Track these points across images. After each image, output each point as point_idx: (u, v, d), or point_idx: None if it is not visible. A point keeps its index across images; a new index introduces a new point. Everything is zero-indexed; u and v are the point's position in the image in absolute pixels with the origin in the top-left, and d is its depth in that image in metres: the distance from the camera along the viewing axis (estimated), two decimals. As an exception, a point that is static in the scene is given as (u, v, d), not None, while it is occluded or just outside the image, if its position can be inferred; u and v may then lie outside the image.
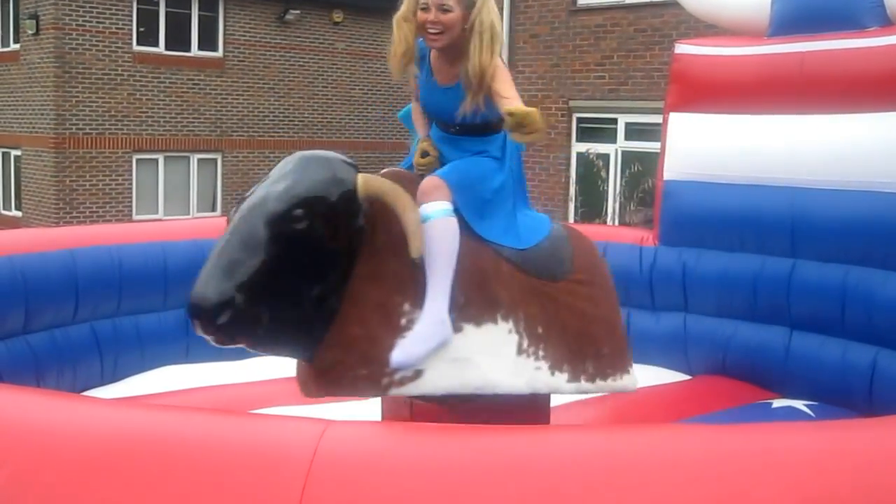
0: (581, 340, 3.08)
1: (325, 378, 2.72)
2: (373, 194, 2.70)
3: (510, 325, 2.89)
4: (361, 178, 2.72)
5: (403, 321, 2.72)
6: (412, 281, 2.74)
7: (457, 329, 2.78)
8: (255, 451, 1.90)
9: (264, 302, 2.52)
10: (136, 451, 1.95)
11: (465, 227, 2.87)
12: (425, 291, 2.74)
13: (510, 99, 2.78)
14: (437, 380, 2.74)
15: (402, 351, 2.72)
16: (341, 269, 2.67)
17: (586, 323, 3.10)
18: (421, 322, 2.74)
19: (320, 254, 2.62)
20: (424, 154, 3.08)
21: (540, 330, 2.97)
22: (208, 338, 2.57)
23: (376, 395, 2.88)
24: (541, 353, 2.96)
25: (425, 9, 2.86)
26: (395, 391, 2.73)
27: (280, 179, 2.64)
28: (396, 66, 3.01)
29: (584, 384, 3.07)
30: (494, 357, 2.84)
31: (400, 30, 2.93)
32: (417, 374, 2.73)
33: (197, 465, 1.90)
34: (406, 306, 2.73)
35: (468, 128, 3.03)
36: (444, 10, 2.84)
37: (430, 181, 2.85)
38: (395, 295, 2.73)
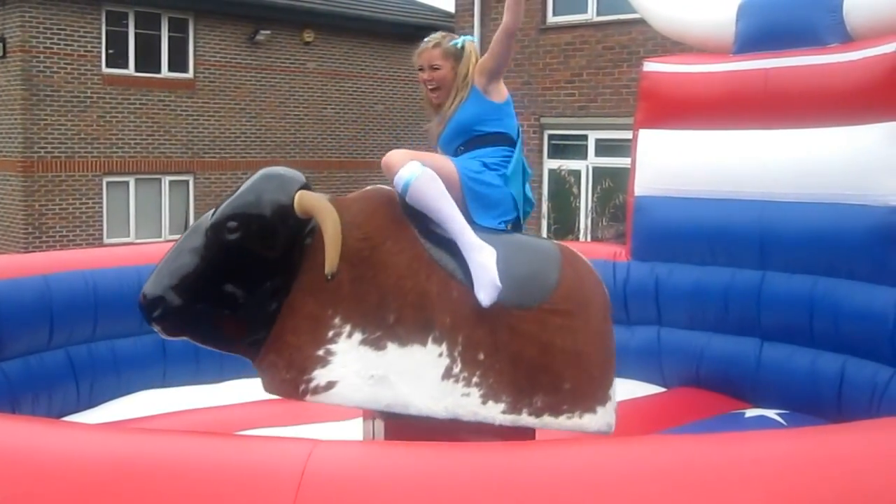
0: (535, 372, 2.97)
1: (263, 377, 2.93)
2: (305, 210, 2.82)
3: (442, 348, 2.88)
4: (298, 195, 2.84)
5: (330, 334, 2.81)
6: (350, 296, 2.84)
7: (379, 347, 2.84)
8: (244, 472, 1.91)
9: (198, 302, 2.80)
10: (124, 475, 1.96)
11: (421, 244, 2.96)
12: (362, 305, 2.85)
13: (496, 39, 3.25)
14: (349, 393, 2.80)
15: (482, 293, 2.88)
16: (281, 278, 2.84)
17: (549, 355, 3.00)
18: (471, 262, 2.91)
19: (255, 263, 2.82)
20: None
21: (481, 356, 2.91)
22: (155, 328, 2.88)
23: (297, 399, 2.93)
24: (475, 379, 2.89)
25: (421, 70, 3.36)
26: (311, 399, 2.83)
27: (231, 193, 2.90)
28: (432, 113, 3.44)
29: (524, 417, 2.94)
30: (414, 378, 2.85)
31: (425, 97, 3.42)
32: (330, 385, 2.79)
33: (185, 488, 1.91)
34: (337, 320, 2.83)
35: (468, 144, 3.30)
36: (434, 68, 3.32)
37: (391, 153, 3.06)
38: (328, 308, 2.83)
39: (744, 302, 4.77)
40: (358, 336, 2.83)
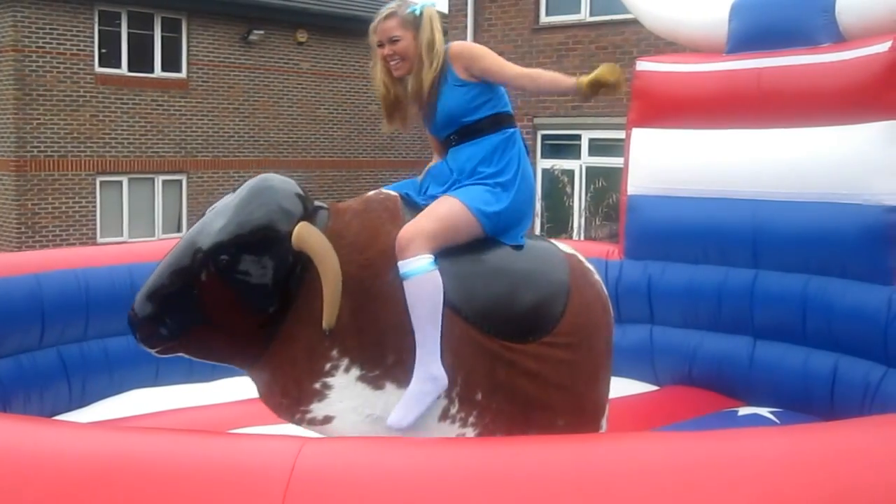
0: (531, 410, 2.89)
1: (259, 389, 2.90)
2: (304, 249, 2.70)
3: None
4: (297, 230, 2.70)
5: (328, 366, 2.72)
6: (348, 329, 2.72)
7: (377, 386, 2.75)
8: (233, 469, 1.91)
9: (190, 324, 2.73)
10: (114, 473, 1.95)
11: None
12: (361, 338, 2.72)
13: (525, 73, 3.07)
14: (346, 429, 2.74)
15: (397, 415, 2.72)
16: (273, 303, 2.73)
17: (546, 390, 2.90)
18: (413, 381, 2.73)
19: (247, 289, 2.70)
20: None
21: (479, 396, 2.83)
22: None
23: (293, 424, 2.89)
24: (471, 419, 2.82)
25: (381, 45, 3.10)
26: (306, 427, 2.79)
27: (222, 212, 2.76)
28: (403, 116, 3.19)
29: None
30: None
31: (378, 78, 3.13)
32: (327, 419, 2.74)
33: (174, 486, 1.91)
34: (334, 352, 2.72)
35: (462, 133, 3.09)
36: (393, 41, 3.06)
37: (406, 232, 2.79)
38: (325, 339, 2.71)
39: (737, 300, 4.78)
40: (355, 372, 2.74)
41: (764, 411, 4.51)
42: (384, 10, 3.10)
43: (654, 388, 5.03)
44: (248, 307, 2.72)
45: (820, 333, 4.49)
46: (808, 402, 4.48)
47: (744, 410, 4.57)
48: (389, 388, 2.76)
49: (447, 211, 2.90)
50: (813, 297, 4.50)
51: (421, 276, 2.73)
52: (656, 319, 5.12)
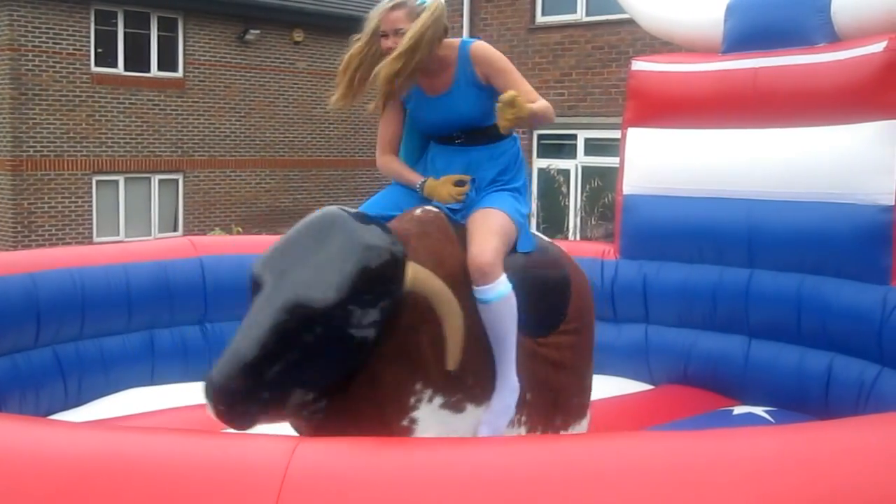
0: (555, 395, 3.04)
1: (311, 432, 2.64)
2: (421, 292, 2.56)
3: None
4: (412, 273, 2.56)
5: (413, 400, 2.63)
6: (431, 361, 2.65)
7: (459, 409, 2.75)
8: (227, 469, 1.91)
9: (285, 391, 2.43)
10: (107, 473, 1.95)
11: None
12: (442, 369, 2.67)
13: (525, 92, 2.90)
14: None
15: (489, 426, 2.81)
16: (367, 351, 2.54)
17: (565, 375, 3.04)
18: (499, 396, 2.81)
19: (355, 342, 2.48)
20: (460, 182, 3.00)
21: (528, 396, 2.93)
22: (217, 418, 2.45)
23: None
24: (524, 419, 2.94)
25: (384, 35, 2.98)
26: None
27: (326, 265, 2.44)
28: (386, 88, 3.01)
29: None
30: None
31: (358, 69, 3.02)
32: None
33: (168, 485, 1.91)
34: (418, 385, 2.64)
35: (474, 134, 3.07)
36: (399, 33, 2.93)
37: (485, 257, 2.75)
38: (411, 375, 2.63)
39: (732, 300, 4.79)
40: (438, 400, 2.68)
41: (759, 410, 4.52)
42: (390, 0, 3.00)
43: (650, 387, 5.03)
44: (352, 360, 2.51)
45: (815, 333, 4.50)
46: (803, 401, 4.49)
47: (739, 409, 4.58)
48: (469, 408, 2.78)
49: (501, 225, 2.90)
50: (808, 297, 4.50)
51: (504, 301, 2.76)
52: (651, 319, 5.12)
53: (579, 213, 10.82)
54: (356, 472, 1.95)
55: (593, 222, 10.41)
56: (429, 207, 2.96)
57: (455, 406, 2.72)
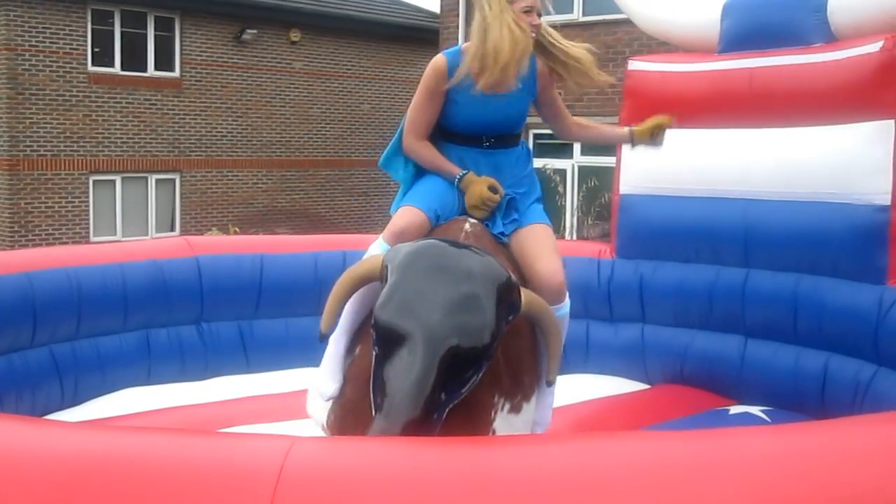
0: (521, 371, 3.01)
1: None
2: (533, 314, 2.65)
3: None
4: (529, 299, 2.62)
5: (493, 413, 2.70)
6: (504, 373, 2.73)
7: (518, 409, 2.84)
8: (222, 468, 1.91)
9: (443, 410, 2.44)
10: (102, 473, 1.95)
11: None
12: (509, 376, 2.75)
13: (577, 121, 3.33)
14: None
15: (541, 426, 3.02)
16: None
17: (517, 355, 2.94)
18: (542, 401, 2.97)
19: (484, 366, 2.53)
20: (494, 189, 2.98)
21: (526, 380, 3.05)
22: None
23: None
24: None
25: (528, 12, 2.95)
26: None
27: (474, 306, 2.43)
28: (514, 70, 2.93)
29: (510, 417, 2.95)
30: (525, 427, 2.94)
31: (512, 31, 2.89)
32: None
33: (163, 485, 1.90)
34: (496, 398, 2.71)
35: (503, 138, 3.08)
36: (539, 14, 3.00)
37: (558, 277, 2.90)
38: (492, 391, 2.69)
39: (728, 299, 4.80)
40: (507, 406, 2.78)
41: (755, 410, 4.53)
42: None
43: (646, 386, 5.04)
44: (464, 382, 2.51)
45: (811, 332, 4.51)
46: (799, 400, 4.50)
47: (735, 409, 4.58)
48: (524, 406, 2.86)
49: (555, 241, 3.08)
50: (804, 296, 4.51)
51: (567, 315, 2.97)
52: (648, 318, 5.13)
53: (576, 213, 10.83)
54: (352, 471, 1.95)
55: (590, 222, 10.41)
56: (473, 221, 2.97)
57: (516, 407, 2.80)
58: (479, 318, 2.41)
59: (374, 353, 2.47)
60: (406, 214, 2.94)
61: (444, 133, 3.12)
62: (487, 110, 3.02)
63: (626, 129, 3.42)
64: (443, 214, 3.01)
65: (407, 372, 2.33)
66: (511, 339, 2.69)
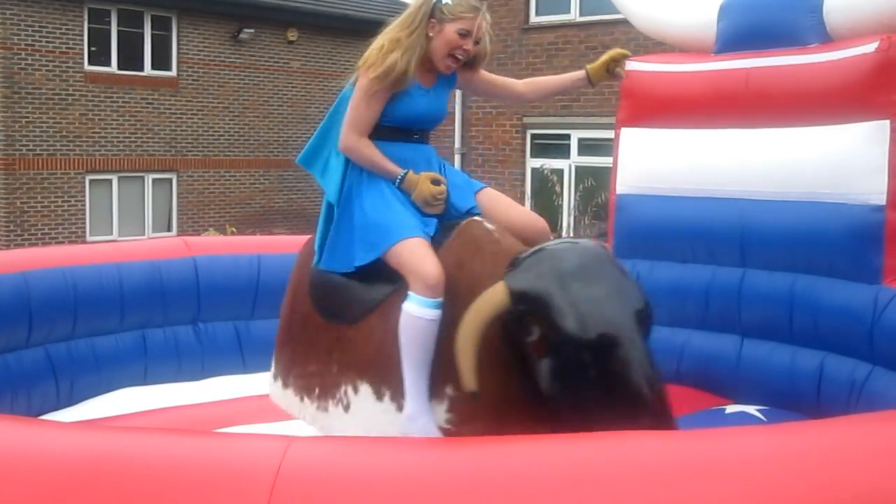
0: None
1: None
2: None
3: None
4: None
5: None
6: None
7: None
8: (219, 468, 1.91)
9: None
10: (99, 473, 1.95)
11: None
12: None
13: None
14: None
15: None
16: None
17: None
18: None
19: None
20: (437, 182, 2.98)
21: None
22: None
23: None
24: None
25: (465, 35, 2.94)
26: None
27: (626, 278, 2.65)
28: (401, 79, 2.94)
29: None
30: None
31: (411, 48, 2.94)
32: None
33: (160, 485, 1.90)
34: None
35: (426, 132, 3.16)
36: (476, 42, 2.98)
37: (540, 218, 3.11)
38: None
39: (724, 299, 4.79)
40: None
41: (751, 409, 4.53)
42: (483, 6, 3.00)
43: (643, 386, 5.03)
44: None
45: (806, 332, 4.51)
46: (794, 399, 4.50)
47: (731, 408, 4.59)
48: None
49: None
50: (800, 296, 4.52)
51: None
52: (645, 318, 5.13)
53: (573, 213, 10.84)
54: (349, 471, 1.95)
55: (587, 222, 10.42)
56: (477, 219, 2.97)
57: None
58: (636, 284, 2.62)
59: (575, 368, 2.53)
60: (420, 252, 2.82)
61: (376, 129, 3.08)
62: (421, 106, 3.06)
63: (581, 72, 3.40)
64: (425, 220, 2.98)
65: (641, 365, 2.52)
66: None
